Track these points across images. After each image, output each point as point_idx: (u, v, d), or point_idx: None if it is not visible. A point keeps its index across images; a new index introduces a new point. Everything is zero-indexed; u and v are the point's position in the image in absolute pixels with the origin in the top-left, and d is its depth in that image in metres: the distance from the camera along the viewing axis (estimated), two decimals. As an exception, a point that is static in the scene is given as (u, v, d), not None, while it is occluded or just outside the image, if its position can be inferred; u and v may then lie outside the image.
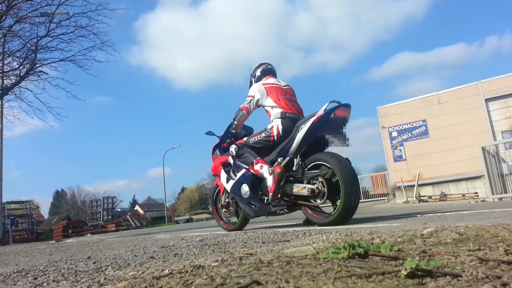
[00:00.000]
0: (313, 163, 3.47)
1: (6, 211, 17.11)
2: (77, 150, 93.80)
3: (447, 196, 11.00)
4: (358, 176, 4.77)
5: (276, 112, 3.84)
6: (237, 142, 4.12)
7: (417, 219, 3.36)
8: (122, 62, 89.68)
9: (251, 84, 4.36)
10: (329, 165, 3.30)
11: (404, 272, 0.92)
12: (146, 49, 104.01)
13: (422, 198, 11.14)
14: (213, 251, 2.12)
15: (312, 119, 3.46)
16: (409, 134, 12.38)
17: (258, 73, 4.36)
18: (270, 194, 3.55)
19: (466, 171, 10.95)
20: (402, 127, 12.53)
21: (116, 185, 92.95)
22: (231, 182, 4.12)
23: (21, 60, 10.24)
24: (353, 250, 1.20)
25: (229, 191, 4.22)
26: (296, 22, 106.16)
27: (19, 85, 10.40)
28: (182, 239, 3.45)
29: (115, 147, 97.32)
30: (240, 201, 4.07)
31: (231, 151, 4.08)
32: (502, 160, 9.76)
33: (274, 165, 3.59)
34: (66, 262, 2.42)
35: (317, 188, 3.34)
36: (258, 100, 4.01)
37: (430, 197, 11.22)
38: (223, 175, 4.30)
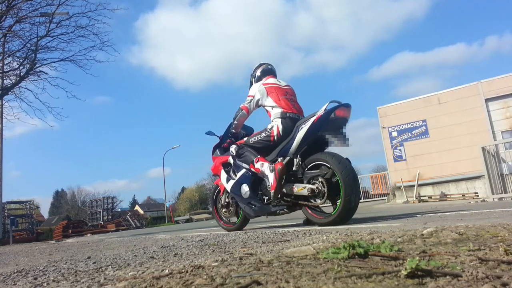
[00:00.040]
0: (313, 163, 3.47)
1: (6, 211, 17.11)
2: (77, 150, 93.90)
3: (447, 196, 11.00)
4: (358, 176, 4.77)
5: (276, 112, 3.85)
6: (237, 142, 4.12)
7: (417, 219, 3.36)
8: (122, 62, 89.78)
9: (251, 84, 4.36)
10: (329, 165, 3.30)
11: (404, 272, 0.92)
12: (146, 49, 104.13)
13: (422, 198, 11.14)
14: (213, 251, 2.12)
15: (312, 119, 3.46)
16: (409, 134, 12.38)
17: (258, 73, 4.36)
18: (272, 191, 3.55)
19: (466, 171, 10.95)
20: (402, 127, 12.53)
21: (116, 185, 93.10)
22: (231, 182, 4.12)
23: (21, 60, 10.25)
24: (353, 250, 1.21)
25: (229, 191, 4.22)
26: (296, 22, 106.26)
27: (19, 85, 10.41)
28: (182, 239, 3.45)
29: (115, 147, 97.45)
30: (240, 201, 4.07)
31: (231, 151, 4.09)
32: (502, 160, 9.76)
33: (278, 160, 3.60)
34: (66, 262, 2.42)
35: (317, 188, 3.34)
36: (258, 100, 4.01)
37: (430, 197, 11.22)
38: (223, 175, 4.30)
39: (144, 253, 2.45)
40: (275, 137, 3.77)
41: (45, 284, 1.53)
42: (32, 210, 20.29)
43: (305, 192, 3.40)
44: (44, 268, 2.18)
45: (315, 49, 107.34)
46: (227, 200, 4.48)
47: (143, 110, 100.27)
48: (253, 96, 4.03)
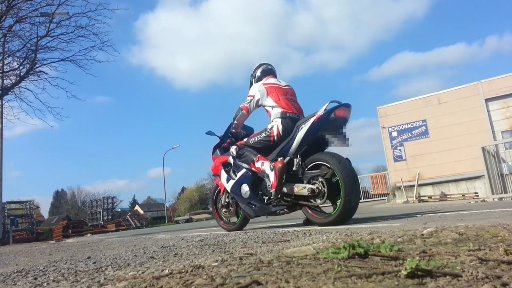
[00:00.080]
0: (313, 163, 3.47)
1: (6, 211, 17.11)
2: (77, 150, 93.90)
3: (447, 196, 11.00)
4: (358, 176, 4.77)
5: (276, 112, 3.85)
6: (237, 143, 4.12)
7: (417, 219, 3.36)
8: (122, 62, 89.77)
9: (251, 85, 4.36)
10: (329, 165, 3.30)
11: (404, 272, 0.92)
12: (146, 49, 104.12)
13: (422, 198, 11.14)
14: (213, 251, 2.12)
15: (312, 119, 3.46)
16: (409, 134, 12.38)
17: (258, 73, 4.36)
18: (273, 190, 3.55)
19: (466, 171, 10.95)
20: (402, 127, 12.53)
21: (116, 185, 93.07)
22: (231, 182, 4.13)
23: (21, 60, 10.25)
24: (353, 250, 1.20)
25: (229, 191, 4.22)
26: (296, 22, 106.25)
27: (19, 85, 10.41)
28: (182, 239, 3.45)
29: (115, 147, 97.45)
30: (240, 201, 4.07)
31: (232, 152, 4.09)
32: (502, 160, 9.76)
33: (277, 159, 3.60)
34: (66, 262, 2.42)
35: (317, 188, 3.34)
36: (258, 100, 4.01)
37: (430, 197, 11.22)
38: (223, 175, 4.30)
39: (144, 253, 2.45)
40: (275, 137, 3.77)
41: (45, 284, 1.53)
42: (32, 210, 20.29)
43: (305, 192, 3.40)
44: (44, 268, 2.18)
45: (315, 49, 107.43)
46: (227, 200, 4.48)
47: (143, 110, 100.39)
48: (253, 96, 4.03)
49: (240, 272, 1.12)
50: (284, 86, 4.11)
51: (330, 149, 3.64)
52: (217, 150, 4.62)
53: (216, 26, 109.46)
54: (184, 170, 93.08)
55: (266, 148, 3.86)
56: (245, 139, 4.07)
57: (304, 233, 2.68)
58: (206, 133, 4.79)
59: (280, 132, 3.74)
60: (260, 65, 4.44)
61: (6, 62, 10.43)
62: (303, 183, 3.47)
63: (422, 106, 12.24)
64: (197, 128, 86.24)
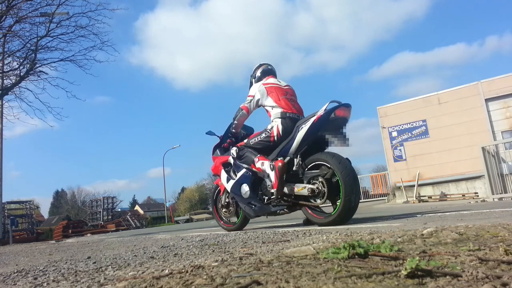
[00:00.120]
0: (313, 163, 3.47)
1: (6, 211, 17.11)
2: (77, 150, 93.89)
3: (447, 196, 11.00)
4: (358, 176, 4.77)
5: (276, 112, 3.85)
6: (237, 144, 4.12)
7: (417, 219, 3.36)
8: (122, 62, 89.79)
9: (251, 85, 4.36)
10: (329, 165, 3.30)
11: (404, 272, 0.92)
12: (146, 49, 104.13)
13: (422, 198, 11.14)
14: (213, 251, 2.12)
15: (312, 119, 3.46)
16: (409, 134, 12.38)
17: (258, 73, 4.36)
18: (274, 189, 3.54)
19: (466, 171, 10.95)
20: (402, 127, 12.53)
21: (116, 185, 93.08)
22: (231, 182, 4.13)
23: (21, 60, 10.25)
24: (353, 250, 1.20)
25: (229, 191, 4.22)
26: (296, 22, 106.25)
27: (19, 85, 10.41)
28: (182, 239, 3.45)
29: (115, 147, 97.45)
30: (240, 201, 4.07)
31: (232, 153, 4.08)
32: (502, 160, 9.75)
33: (277, 159, 3.59)
34: (66, 262, 2.42)
35: (317, 188, 3.34)
36: (258, 100, 4.01)
37: (430, 197, 11.22)
38: (224, 175, 4.30)
39: (144, 253, 2.45)
40: (275, 137, 3.77)
41: (45, 284, 1.53)
42: (32, 210, 20.29)
43: (305, 192, 3.40)
44: (44, 268, 2.18)
45: (315, 49, 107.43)
46: (227, 200, 4.48)
47: (143, 110, 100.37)
48: (253, 96, 4.03)
49: (240, 272, 1.12)
50: (284, 86, 4.11)
51: (330, 149, 3.64)
52: (217, 150, 4.62)
53: (216, 26, 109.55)
54: (184, 170, 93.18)
55: (267, 148, 3.86)
56: (245, 140, 4.06)
57: (304, 233, 2.68)
58: (206, 133, 4.79)
59: (280, 132, 3.74)
60: (260, 65, 4.44)
61: (6, 62, 10.44)
62: (303, 183, 3.47)
63: (422, 106, 12.24)
64: (197, 128, 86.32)
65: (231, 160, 4.20)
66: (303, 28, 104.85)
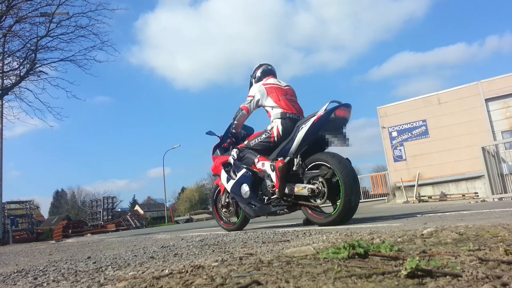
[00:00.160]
0: (314, 163, 3.47)
1: (6, 211, 17.11)
2: (77, 150, 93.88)
3: (447, 196, 11.00)
4: (358, 176, 4.77)
5: (276, 112, 3.85)
6: (238, 146, 4.12)
7: (417, 219, 3.36)
8: (122, 62, 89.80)
9: (251, 85, 4.36)
10: (329, 165, 3.30)
11: (404, 272, 0.92)
12: (146, 49, 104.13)
13: (422, 198, 11.14)
14: (213, 251, 2.12)
15: (312, 119, 3.46)
16: (409, 134, 12.38)
17: (258, 73, 4.36)
18: (276, 190, 3.54)
19: (466, 171, 10.95)
20: (402, 127, 12.53)
21: (116, 185, 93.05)
22: (231, 182, 4.12)
23: (21, 60, 10.25)
24: (353, 250, 1.21)
25: (229, 191, 4.22)
26: (296, 22, 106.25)
27: (19, 85, 10.41)
28: (182, 239, 3.45)
29: (115, 147, 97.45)
30: (240, 201, 4.07)
31: (233, 155, 4.08)
32: (502, 160, 9.75)
33: (277, 159, 3.59)
34: (66, 262, 2.42)
35: (317, 188, 3.34)
36: (258, 100, 4.01)
37: (430, 197, 11.22)
38: (224, 175, 4.30)
39: (144, 253, 2.45)
40: (275, 138, 3.77)
41: (45, 284, 1.53)
42: (32, 210, 20.29)
43: (305, 192, 3.40)
44: (44, 268, 2.18)
45: (315, 49, 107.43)
46: (227, 200, 4.48)
47: (143, 110, 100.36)
48: (253, 96, 4.03)
49: (240, 272, 1.12)
50: (284, 86, 4.11)
51: (330, 149, 3.64)
52: (217, 150, 4.62)
53: (216, 26, 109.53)
54: (184, 170, 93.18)
55: (267, 149, 3.86)
56: (245, 142, 4.06)
57: (304, 233, 2.68)
58: (206, 133, 4.80)
59: (280, 132, 3.74)
60: (260, 65, 4.43)
61: (6, 62, 10.44)
62: (303, 183, 3.47)
63: (422, 106, 12.24)
64: (197, 128, 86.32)
65: (231, 160, 4.20)
66: (303, 28, 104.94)
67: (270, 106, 3.93)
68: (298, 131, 3.56)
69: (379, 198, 15.76)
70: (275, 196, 3.65)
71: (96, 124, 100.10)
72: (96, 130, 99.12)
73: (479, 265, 1.01)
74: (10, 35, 9.93)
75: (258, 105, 4.06)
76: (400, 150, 12.50)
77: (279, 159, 3.60)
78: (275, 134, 3.77)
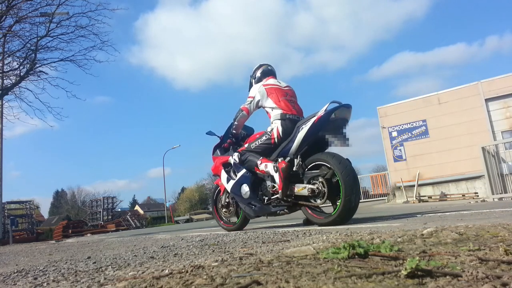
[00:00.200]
0: (314, 163, 3.47)
1: (6, 211, 17.11)
2: (77, 150, 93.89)
3: (447, 196, 11.00)
4: (358, 176, 4.77)
5: (276, 113, 3.85)
6: (238, 150, 4.12)
7: (417, 219, 3.36)
8: (122, 62, 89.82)
9: (250, 85, 4.36)
10: (329, 165, 3.30)
11: (404, 272, 0.92)
12: (146, 49, 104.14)
13: (422, 198, 11.14)
14: (213, 251, 2.12)
15: (312, 120, 3.46)
16: (409, 134, 12.38)
17: (258, 74, 4.36)
18: (279, 191, 3.54)
19: (466, 171, 10.95)
20: (402, 127, 12.53)
21: (116, 185, 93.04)
22: (232, 182, 4.12)
23: (21, 60, 10.25)
24: (353, 250, 1.21)
25: (229, 191, 4.22)
26: (296, 22, 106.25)
27: (19, 85, 10.41)
28: (182, 239, 3.45)
29: (115, 147, 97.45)
30: (240, 201, 4.07)
31: (234, 159, 4.08)
32: (502, 160, 9.75)
33: (278, 161, 3.59)
34: (66, 262, 2.42)
35: (317, 188, 3.34)
36: (258, 101, 4.01)
37: (430, 197, 11.22)
38: (224, 175, 4.30)
39: (144, 253, 2.45)
40: (276, 139, 3.77)
41: (45, 284, 1.53)
42: (32, 210, 20.29)
43: (305, 192, 3.40)
44: (44, 268, 2.18)
45: (315, 49, 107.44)
46: (227, 200, 4.48)
47: (143, 110, 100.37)
48: (254, 97, 4.04)
49: (240, 272, 1.12)
50: (284, 87, 4.11)
51: (330, 149, 3.64)
52: (218, 150, 4.62)
53: (216, 26, 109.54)
54: (184, 170, 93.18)
55: (267, 150, 3.86)
56: (245, 145, 4.06)
57: (304, 233, 2.68)
58: (207, 133, 4.80)
59: (281, 134, 3.74)
60: (260, 65, 4.43)
61: (6, 62, 10.44)
62: (303, 183, 3.47)
63: (422, 106, 12.24)
64: (197, 128, 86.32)
65: (231, 160, 4.20)
66: (303, 28, 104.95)
67: (270, 107, 3.93)
68: (298, 132, 3.56)
69: (379, 198, 15.76)
70: (275, 196, 3.65)
71: (96, 124, 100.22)
72: (96, 130, 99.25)
73: (479, 265, 1.01)
74: (10, 35, 9.93)
75: (258, 106, 4.06)
76: (400, 150, 12.50)
77: (280, 159, 3.60)
78: (275, 136, 3.77)
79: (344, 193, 3.15)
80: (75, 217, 42.69)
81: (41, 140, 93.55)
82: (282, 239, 2.36)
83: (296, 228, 3.32)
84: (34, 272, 1.99)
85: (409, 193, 11.82)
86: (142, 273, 1.42)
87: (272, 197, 3.73)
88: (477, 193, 10.45)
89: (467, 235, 1.58)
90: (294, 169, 3.54)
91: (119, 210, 32.02)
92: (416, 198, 11.16)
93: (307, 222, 3.81)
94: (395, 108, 12.88)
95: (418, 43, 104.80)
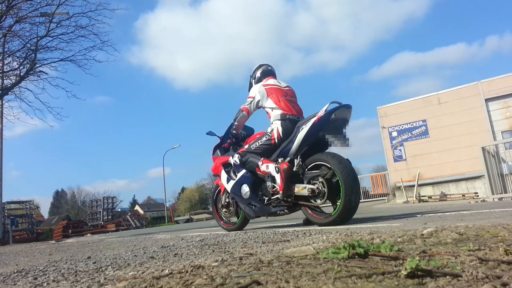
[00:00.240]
0: (314, 164, 3.47)
1: (6, 211, 17.11)
2: (77, 150, 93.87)
3: (447, 196, 11.00)
4: (358, 176, 4.77)
5: (276, 113, 3.84)
6: (239, 151, 4.12)
7: (417, 219, 3.36)
8: (122, 62, 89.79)
9: (250, 86, 4.36)
10: (329, 166, 3.30)
11: (404, 272, 0.92)
12: (146, 49, 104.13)
13: (422, 198, 11.14)
14: (213, 251, 2.12)
15: (312, 120, 3.46)
16: (409, 134, 12.38)
17: (258, 74, 4.35)
18: (280, 192, 3.54)
19: (466, 171, 10.95)
20: (402, 127, 12.53)
21: (116, 185, 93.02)
22: (232, 182, 4.13)
23: (21, 60, 10.25)
24: (353, 250, 1.21)
25: (229, 191, 4.22)
26: (296, 22, 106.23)
27: (19, 85, 10.41)
28: (182, 239, 3.45)
29: (115, 147, 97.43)
30: (240, 201, 4.07)
31: (235, 161, 4.08)
32: (502, 160, 9.75)
33: (279, 162, 3.59)
34: (66, 262, 2.42)
35: (317, 188, 3.34)
36: (258, 101, 4.01)
37: (430, 197, 11.22)
38: (224, 175, 4.30)
39: (144, 253, 2.45)
40: (276, 140, 3.77)
41: (45, 284, 1.53)
42: (32, 210, 20.30)
43: (305, 192, 3.40)
44: (44, 268, 2.18)
45: (315, 49, 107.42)
46: (227, 200, 4.49)
47: (143, 110, 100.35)
48: (254, 98, 4.03)
49: (240, 272, 1.12)
50: (284, 87, 4.11)
51: (330, 149, 3.64)
52: (218, 151, 4.62)
53: (216, 26, 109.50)
54: (184, 170, 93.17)
55: (268, 151, 3.86)
56: (245, 146, 4.06)
57: (304, 233, 2.68)
58: (207, 134, 4.80)
59: (281, 134, 3.74)
60: (260, 66, 4.43)
61: (6, 62, 10.44)
62: (303, 183, 3.47)
63: (422, 106, 12.24)
64: (197, 128, 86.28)
65: (232, 161, 4.20)
66: (303, 28, 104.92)
67: (270, 107, 3.93)
68: (299, 132, 3.56)
69: (379, 198, 15.75)
70: (276, 196, 3.65)
71: (96, 124, 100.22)
72: (96, 130, 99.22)
73: (479, 265, 1.01)
74: (10, 35, 9.93)
75: (258, 106, 4.06)
76: (400, 150, 12.50)
77: (280, 160, 3.60)
78: (275, 136, 3.77)
79: (344, 193, 3.16)
80: (75, 217, 42.69)
81: (41, 140, 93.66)
82: (282, 239, 2.36)
83: (296, 228, 3.32)
84: (34, 272, 1.99)
85: (409, 193, 11.82)
86: (142, 273, 1.43)
87: (272, 197, 3.73)
88: (477, 193, 10.45)
89: (467, 235, 1.58)
90: (294, 169, 3.54)
91: (119, 210, 32.02)
92: (416, 198, 11.16)
93: (307, 222, 3.81)
94: (395, 108, 12.88)
95: (418, 43, 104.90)
